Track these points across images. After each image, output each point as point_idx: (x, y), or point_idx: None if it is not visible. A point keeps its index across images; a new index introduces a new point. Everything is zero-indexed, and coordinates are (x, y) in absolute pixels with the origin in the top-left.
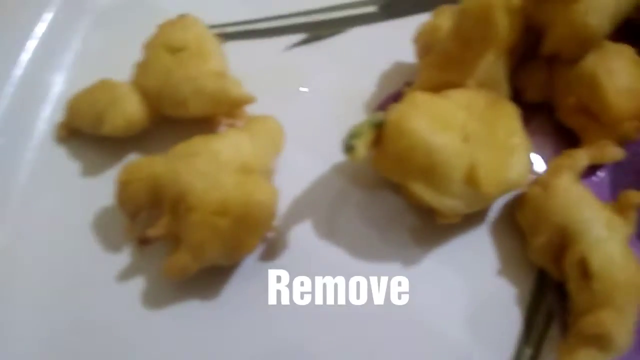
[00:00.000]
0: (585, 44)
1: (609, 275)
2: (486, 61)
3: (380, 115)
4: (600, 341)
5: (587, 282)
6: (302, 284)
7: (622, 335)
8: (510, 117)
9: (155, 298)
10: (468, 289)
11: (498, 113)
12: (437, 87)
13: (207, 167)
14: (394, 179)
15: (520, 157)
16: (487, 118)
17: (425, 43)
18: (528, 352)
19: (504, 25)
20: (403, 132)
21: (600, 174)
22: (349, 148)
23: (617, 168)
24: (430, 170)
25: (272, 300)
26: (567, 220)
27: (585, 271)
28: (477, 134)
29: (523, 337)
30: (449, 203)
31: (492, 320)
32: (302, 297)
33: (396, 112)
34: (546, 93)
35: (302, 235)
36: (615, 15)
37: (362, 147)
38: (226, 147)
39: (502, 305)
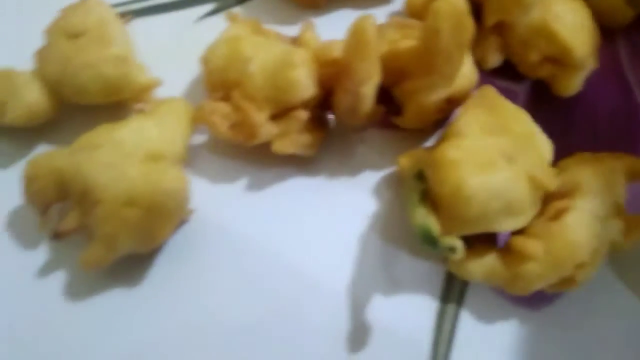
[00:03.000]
0: (525, 6)
1: None
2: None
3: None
4: None
5: None
6: (224, 263)
7: None
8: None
9: (78, 290)
10: None
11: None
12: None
13: (111, 158)
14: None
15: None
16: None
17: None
18: None
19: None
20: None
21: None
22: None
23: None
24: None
25: (198, 279)
26: None
27: None
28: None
29: None
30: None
31: None
32: (225, 277)
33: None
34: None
35: (222, 216)
36: None
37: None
38: (130, 135)
39: None
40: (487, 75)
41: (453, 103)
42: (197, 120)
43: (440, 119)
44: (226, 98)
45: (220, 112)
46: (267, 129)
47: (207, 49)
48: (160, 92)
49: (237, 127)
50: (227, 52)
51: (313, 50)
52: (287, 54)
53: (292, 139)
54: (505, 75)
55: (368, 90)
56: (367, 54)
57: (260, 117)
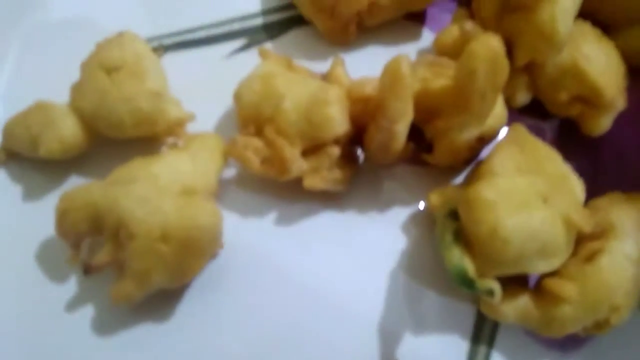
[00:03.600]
0: (557, 48)
1: None
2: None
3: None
4: None
5: None
6: (253, 298)
7: None
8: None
9: (107, 325)
10: None
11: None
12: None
13: (146, 192)
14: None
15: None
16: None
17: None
18: None
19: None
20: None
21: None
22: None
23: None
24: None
25: (227, 314)
26: None
27: None
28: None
29: None
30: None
31: None
32: (254, 312)
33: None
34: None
35: (251, 250)
36: (575, 12)
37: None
38: (165, 170)
39: None
40: (515, 113)
41: (483, 141)
42: (230, 155)
43: (470, 157)
44: (258, 133)
45: (252, 147)
46: (298, 165)
47: (240, 85)
48: (192, 127)
49: (269, 162)
50: (261, 87)
51: (345, 86)
52: (321, 90)
53: (323, 175)
54: (533, 113)
55: (401, 128)
56: (402, 93)
57: (292, 153)
